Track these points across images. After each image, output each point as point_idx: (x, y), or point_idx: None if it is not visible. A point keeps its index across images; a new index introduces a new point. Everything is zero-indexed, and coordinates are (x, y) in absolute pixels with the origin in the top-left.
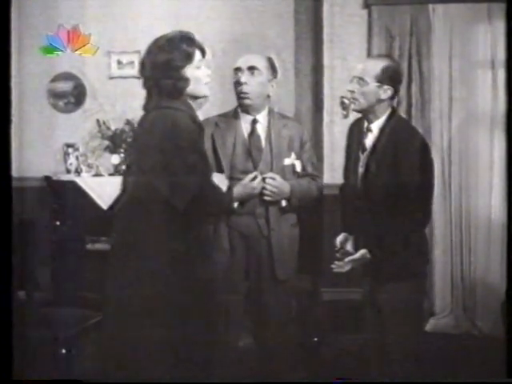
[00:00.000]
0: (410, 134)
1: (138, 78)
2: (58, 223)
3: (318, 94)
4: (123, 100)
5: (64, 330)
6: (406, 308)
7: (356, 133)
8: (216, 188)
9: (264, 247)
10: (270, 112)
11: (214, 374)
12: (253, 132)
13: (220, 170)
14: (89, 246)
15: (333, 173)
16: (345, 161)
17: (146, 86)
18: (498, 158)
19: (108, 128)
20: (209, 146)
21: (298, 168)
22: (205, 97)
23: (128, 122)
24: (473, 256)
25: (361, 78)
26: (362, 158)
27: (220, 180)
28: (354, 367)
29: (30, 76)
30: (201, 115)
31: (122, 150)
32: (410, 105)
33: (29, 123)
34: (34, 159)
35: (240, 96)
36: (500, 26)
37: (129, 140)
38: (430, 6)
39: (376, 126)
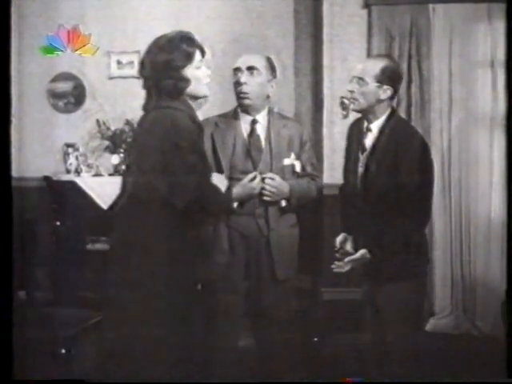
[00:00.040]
0: (410, 134)
1: (137, 78)
2: (58, 223)
3: (318, 93)
4: (123, 100)
5: (64, 329)
6: (405, 308)
7: (356, 133)
8: (215, 188)
9: (264, 247)
10: (270, 112)
11: (213, 374)
12: (252, 132)
13: (220, 170)
14: (89, 246)
15: (333, 173)
16: (344, 161)
17: (145, 86)
18: (498, 157)
19: (108, 128)
20: (208, 146)
21: (298, 168)
22: (205, 97)
23: (128, 122)
24: (473, 256)
25: (360, 78)
26: (362, 158)
27: (219, 180)
28: (354, 367)
29: (30, 76)
30: (201, 115)
31: (121, 150)
32: (409, 105)
33: (29, 123)
34: (33, 159)
35: (240, 96)
36: (500, 26)
37: (129, 140)
38: (430, 6)
39: (376, 126)
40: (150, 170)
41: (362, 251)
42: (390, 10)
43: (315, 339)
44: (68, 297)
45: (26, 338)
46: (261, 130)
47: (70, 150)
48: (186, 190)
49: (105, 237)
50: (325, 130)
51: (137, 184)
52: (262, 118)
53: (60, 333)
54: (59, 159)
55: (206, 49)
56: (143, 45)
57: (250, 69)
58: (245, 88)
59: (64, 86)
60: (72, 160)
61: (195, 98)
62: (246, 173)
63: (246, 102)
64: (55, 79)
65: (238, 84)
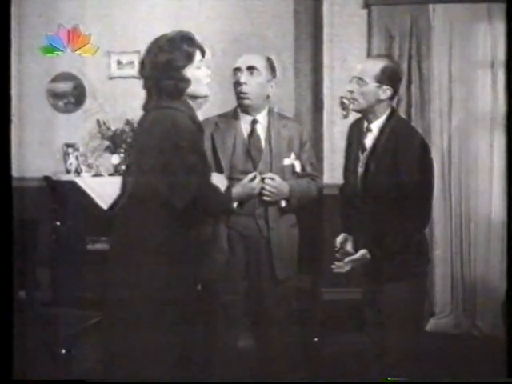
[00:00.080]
0: (410, 133)
1: (137, 78)
2: (58, 223)
3: (318, 94)
4: (123, 100)
5: (64, 329)
6: (406, 308)
7: (356, 133)
8: (215, 188)
9: (263, 247)
10: (270, 112)
11: (213, 374)
12: (252, 132)
13: (220, 170)
14: (89, 246)
15: (333, 173)
16: (344, 161)
17: (146, 86)
18: (498, 158)
19: (108, 128)
20: (208, 146)
21: (298, 168)
22: (205, 97)
23: (128, 122)
24: (473, 256)
25: (360, 78)
26: (362, 158)
27: (219, 180)
28: (354, 367)
29: (30, 76)
30: (201, 115)
31: (121, 150)
32: (409, 105)
33: (29, 123)
34: (33, 159)
35: (239, 96)
36: (500, 26)
37: (129, 140)
38: (430, 6)
39: (376, 126)
40: (149, 170)
41: (362, 251)
42: (390, 9)
43: (315, 339)
44: (68, 297)
45: (26, 337)
46: (261, 130)
47: (70, 150)
48: (185, 190)
49: (105, 237)
50: (325, 130)
51: (137, 184)
52: (262, 118)
53: (60, 333)
54: (59, 159)
55: (206, 49)
56: (143, 45)
57: (250, 69)
58: (245, 88)
59: (64, 86)
60: (72, 160)
61: (195, 98)
62: (245, 173)
63: (246, 102)
64: (55, 79)
65: (237, 84)
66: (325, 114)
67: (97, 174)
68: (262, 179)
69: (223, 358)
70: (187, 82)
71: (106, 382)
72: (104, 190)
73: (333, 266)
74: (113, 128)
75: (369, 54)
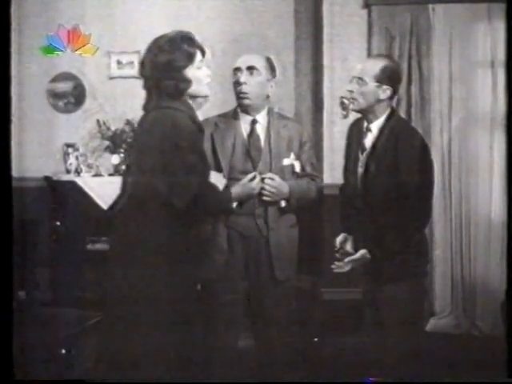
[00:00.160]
0: (410, 134)
1: (137, 78)
2: (58, 223)
3: (318, 93)
4: (123, 100)
5: (64, 329)
6: (406, 308)
7: (356, 133)
8: (214, 187)
9: (263, 248)
10: (270, 112)
11: (213, 374)
12: (252, 132)
13: (219, 170)
14: (89, 246)
15: (333, 173)
16: (344, 161)
17: (146, 86)
18: (498, 157)
19: (108, 128)
20: (208, 146)
21: (298, 168)
22: (205, 97)
23: (128, 122)
24: (473, 256)
25: (360, 78)
26: (362, 158)
27: (217, 179)
28: (354, 367)
29: (29, 76)
30: (201, 115)
31: (121, 150)
32: (409, 105)
33: (29, 123)
34: (33, 159)
35: (239, 96)
36: (500, 26)
37: (129, 140)
38: (430, 6)
39: (375, 125)
40: (149, 170)
41: (362, 251)
42: (390, 9)
43: (315, 339)
44: (68, 297)
45: (26, 338)
46: (260, 130)
47: (70, 150)
48: (185, 189)
49: (105, 237)
50: (325, 130)
51: (137, 184)
52: (261, 118)
53: (60, 333)
54: (59, 159)
55: (206, 49)
56: (143, 45)
57: (250, 69)
58: (244, 88)
59: (64, 86)
60: (72, 160)
61: (195, 98)
62: (245, 173)
63: (246, 101)
64: (55, 79)
65: (237, 84)
66: (325, 114)
67: (97, 174)
68: (262, 179)
69: (223, 357)
70: (188, 82)
71: (106, 381)
72: (104, 190)
73: (333, 266)
74: (113, 128)
75: (369, 54)
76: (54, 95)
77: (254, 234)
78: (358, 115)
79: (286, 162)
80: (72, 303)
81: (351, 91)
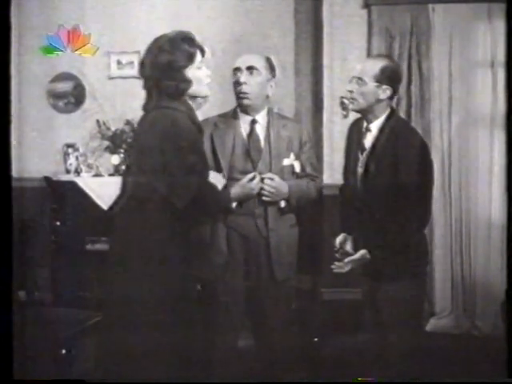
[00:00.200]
0: (409, 133)
1: (137, 78)
2: (58, 223)
3: (318, 94)
4: (123, 100)
5: (64, 329)
6: (405, 308)
7: (355, 133)
8: (214, 187)
9: (263, 248)
10: (269, 112)
11: (213, 374)
12: (252, 132)
13: (219, 171)
14: (89, 246)
15: (332, 173)
16: (344, 161)
17: (146, 86)
18: (498, 157)
19: (108, 128)
20: (208, 146)
21: (297, 168)
22: (205, 97)
23: (128, 123)
24: (473, 256)
25: (360, 78)
26: (362, 158)
27: (216, 178)
28: (354, 367)
29: (29, 76)
30: (201, 115)
31: (121, 151)
32: (409, 105)
33: (29, 123)
34: (33, 159)
35: (239, 96)
36: (500, 26)
37: (129, 140)
38: (430, 6)
39: (375, 125)
40: (149, 170)
41: (362, 251)
42: (390, 9)
43: (315, 339)
44: (68, 297)
45: (26, 338)
46: (260, 130)
47: (70, 150)
48: (185, 190)
49: (105, 237)
50: (325, 130)
51: (137, 184)
52: (261, 118)
53: (60, 333)
54: (59, 159)
55: (206, 49)
56: (143, 45)
57: (250, 69)
58: (244, 88)
59: (64, 86)
60: (72, 160)
61: (195, 98)
62: (245, 173)
63: (246, 101)
64: (55, 79)
65: (237, 84)
66: (325, 113)
67: (97, 174)
68: (262, 179)
69: (223, 357)
70: (188, 82)
71: (106, 382)
72: (104, 190)
73: (333, 266)
74: (113, 128)
75: (369, 54)
76: (54, 95)
77: (253, 234)
78: (358, 115)
79: (286, 162)
80: (72, 303)
81: (351, 91)
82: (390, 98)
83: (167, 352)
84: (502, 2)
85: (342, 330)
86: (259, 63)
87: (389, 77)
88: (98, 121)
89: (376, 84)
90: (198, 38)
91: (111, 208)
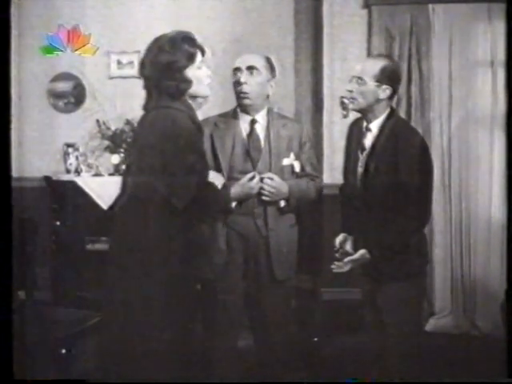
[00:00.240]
0: (409, 133)
1: (137, 78)
2: (58, 223)
3: (318, 94)
4: (123, 100)
5: (64, 329)
6: (405, 308)
7: (355, 132)
8: (213, 187)
9: (262, 247)
10: (269, 112)
11: (213, 374)
12: (252, 132)
13: (219, 170)
14: (89, 246)
15: (332, 173)
16: (344, 161)
17: (146, 86)
18: (498, 157)
19: (108, 128)
20: (208, 146)
21: (297, 168)
22: (205, 97)
23: (128, 122)
24: (473, 256)
25: (359, 78)
26: (362, 157)
27: (216, 178)
28: (354, 367)
29: (30, 76)
30: (201, 115)
31: (121, 150)
32: (409, 104)
33: (29, 123)
34: (33, 159)
35: (239, 96)
36: (500, 26)
37: (129, 140)
38: (430, 6)
39: (375, 125)
40: (149, 170)
41: (362, 251)
42: (390, 9)
43: (315, 339)
44: (68, 297)
45: (26, 337)
46: (260, 129)
47: (70, 149)
48: (185, 190)
49: (105, 237)
50: (325, 130)
51: (137, 184)
52: (261, 117)
53: (60, 333)
54: (59, 159)
55: (206, 48)
56: (143, 45)
57: (250, 68)
58: (244, 88)
59: (64, 86)
60: (72, 160)
61: (196, 97)
62: (245, 173)
63: (246, 101)
64: (55, 79)
65: (237, 84)
66: (325, 113)
67: (97, 174)
68: (261, 179)
69: (223, 357)
70: (188, 82)
71: (105, 382)
72: (104, 189)
73: (332, 266)
74: (113, 128)
75: (369, 54)
76: (54, 95)
77: (253, 233)
78: (358, 115)
79: (286, 161)
80: (72, 303)
81: (351, 91)
82: (390, 97)
83: (167, 352)
84: (502, 1)
85: (341, 330)
86: (259, 63)
87: (389, 76)
88: (97, 120)
89: (376, 84)
90: (198, 38)
91: (111, 208)
